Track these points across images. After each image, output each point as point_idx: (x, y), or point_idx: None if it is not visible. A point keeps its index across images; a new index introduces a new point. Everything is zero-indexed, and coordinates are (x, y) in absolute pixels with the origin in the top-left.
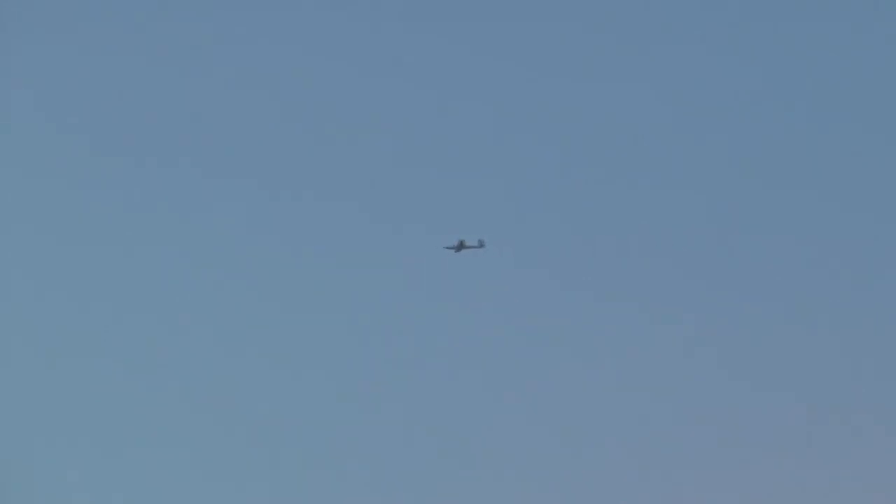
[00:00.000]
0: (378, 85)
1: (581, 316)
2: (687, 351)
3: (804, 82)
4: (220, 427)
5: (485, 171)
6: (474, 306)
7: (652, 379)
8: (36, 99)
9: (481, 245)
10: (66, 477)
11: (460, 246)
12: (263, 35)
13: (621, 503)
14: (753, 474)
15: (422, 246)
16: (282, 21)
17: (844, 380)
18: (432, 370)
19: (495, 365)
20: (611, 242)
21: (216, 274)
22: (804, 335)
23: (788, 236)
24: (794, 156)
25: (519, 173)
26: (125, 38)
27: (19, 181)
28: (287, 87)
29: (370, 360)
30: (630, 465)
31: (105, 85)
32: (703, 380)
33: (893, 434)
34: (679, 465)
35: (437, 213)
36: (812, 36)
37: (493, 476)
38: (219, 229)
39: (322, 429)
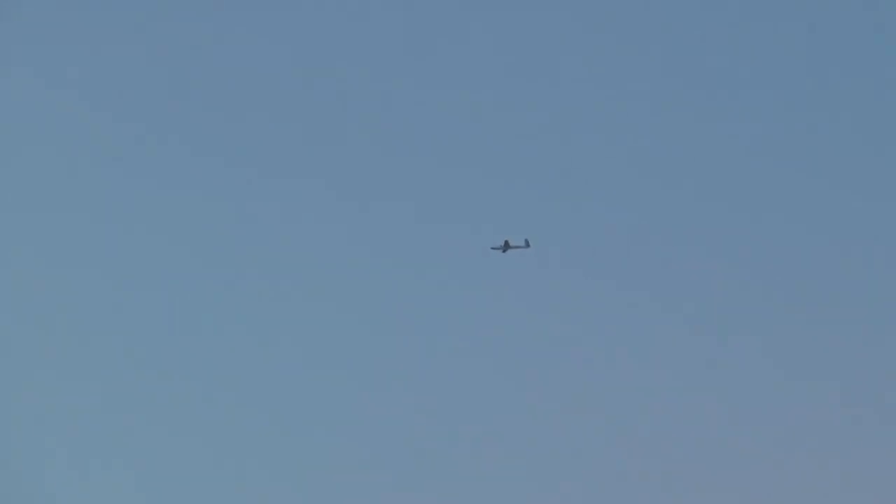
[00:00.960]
0: (422, 87)
1: (622, 314)
2: (729, 350)
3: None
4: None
5: (530, 172)
6: (519, 305)
7: (690, 378)
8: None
9: (527, 245)
10: (67, 477)
11: (506, 246)
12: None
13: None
14: (769, 474)
15: (469, 246)
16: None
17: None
18: (479, 368)
19: (542, 363)
20: (653, 242)
21: (250, 274)
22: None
23: (806, 234)
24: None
25: (564, 174)
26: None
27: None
28: (334, 88)
29: (418, 357)
30: (671, 462)
31: (106, 82)
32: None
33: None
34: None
35: (483, 214)
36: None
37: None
38: (258, 227)
39: (358, 425)
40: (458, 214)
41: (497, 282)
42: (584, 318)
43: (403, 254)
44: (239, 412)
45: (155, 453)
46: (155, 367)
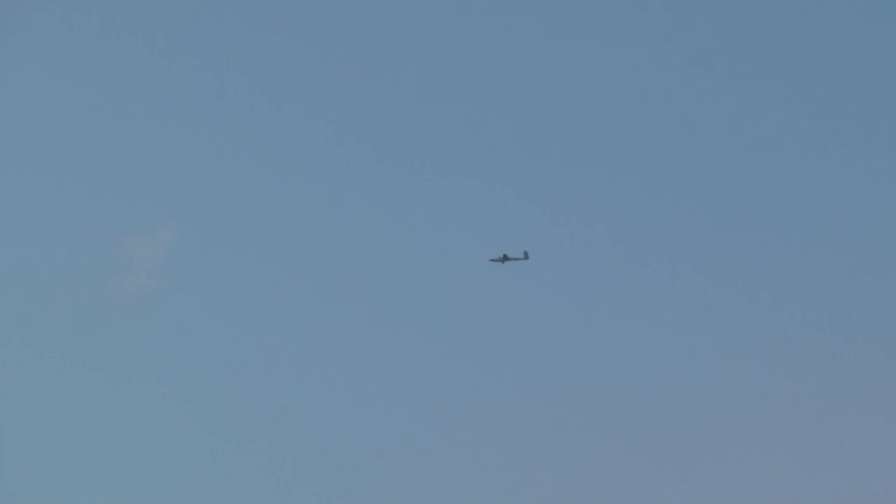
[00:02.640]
0: (423, 95)
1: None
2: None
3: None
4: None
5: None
6: (517, 315)
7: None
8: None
9: (526, 257)
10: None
11: (505, 258)
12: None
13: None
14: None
15: (468, 258)
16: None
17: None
18: (480, 377)
19: (541, 370)
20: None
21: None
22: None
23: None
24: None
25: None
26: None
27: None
28: (331, 89)
29: (423, 367)
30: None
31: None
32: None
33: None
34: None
35: (483, 225)
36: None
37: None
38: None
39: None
40: (452, 218)
41: (487, 286)
42: (578, 321)
43: (404, 254)
44: (237, 411)
45: (156, 454)
46: (157, 366)
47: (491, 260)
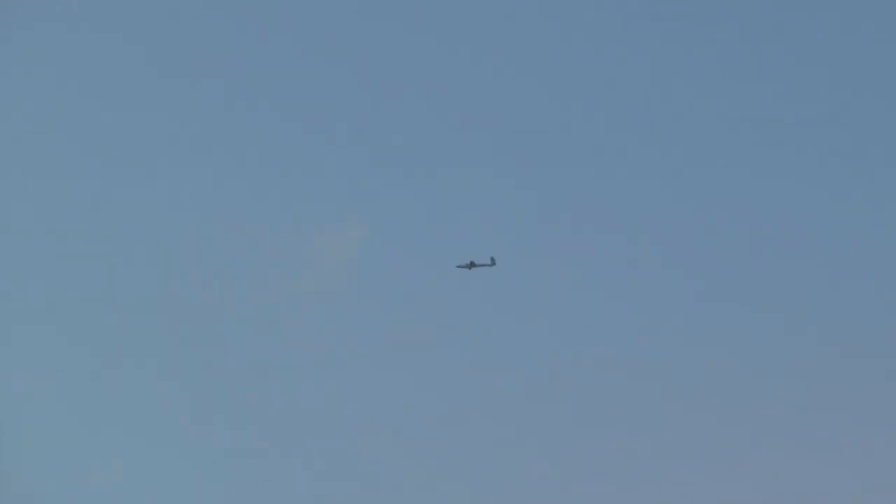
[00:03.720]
0: (396, 104)
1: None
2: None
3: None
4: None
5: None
6: (485, 319)
7: (657, 381)
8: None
9: (492, 263)
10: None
11: (471, 265)
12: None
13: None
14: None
15: (436, 265)
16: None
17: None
18: (445, 381)
19: (511, 372)
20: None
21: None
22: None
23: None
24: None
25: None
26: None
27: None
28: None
29: (390, 372)
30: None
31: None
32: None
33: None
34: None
35: (449, 233)
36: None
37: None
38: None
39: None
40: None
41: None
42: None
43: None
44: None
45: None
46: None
47: (458, 266)
